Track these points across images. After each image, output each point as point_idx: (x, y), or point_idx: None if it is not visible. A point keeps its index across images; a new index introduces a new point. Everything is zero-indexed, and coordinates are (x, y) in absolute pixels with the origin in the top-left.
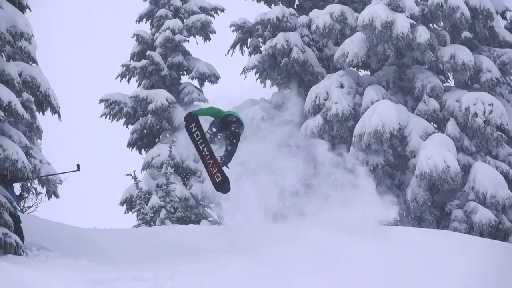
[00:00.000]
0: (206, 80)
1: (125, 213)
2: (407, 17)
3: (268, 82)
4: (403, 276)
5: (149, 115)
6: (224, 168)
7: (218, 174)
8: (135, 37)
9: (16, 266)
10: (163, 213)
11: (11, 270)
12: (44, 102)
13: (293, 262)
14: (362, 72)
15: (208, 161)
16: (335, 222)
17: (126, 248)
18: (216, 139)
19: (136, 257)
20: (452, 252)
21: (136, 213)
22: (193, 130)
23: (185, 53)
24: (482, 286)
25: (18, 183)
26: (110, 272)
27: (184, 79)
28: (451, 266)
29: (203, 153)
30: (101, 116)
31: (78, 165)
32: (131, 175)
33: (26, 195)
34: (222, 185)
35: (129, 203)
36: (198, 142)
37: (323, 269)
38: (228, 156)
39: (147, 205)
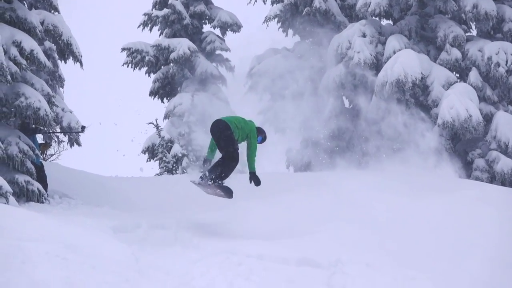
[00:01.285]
0: (228, 29)
1: (147, 161)
2: None
3: (290, 32)
4: (432, 227)
5: (171, 64)
6: None
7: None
8: None
9: (39, 213)
10: (185, 161)
11: (33, 218)
12: (66, 50)
13: (316, 210)
14: (384, 22)
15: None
16: (362, 174)
17: (148, 196)
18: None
19: (158, 205)
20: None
21: (158, 161)
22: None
23: (207, 2)
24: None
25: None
26: (132, 220)
27: (206, 28)
28: (476, 215)
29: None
30: (123, 65)
31: (83, 127)
32: (153, 123)
33: (51, 143)
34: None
35: (151, 152)
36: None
37: (346, 217)
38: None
39: (169, 153)
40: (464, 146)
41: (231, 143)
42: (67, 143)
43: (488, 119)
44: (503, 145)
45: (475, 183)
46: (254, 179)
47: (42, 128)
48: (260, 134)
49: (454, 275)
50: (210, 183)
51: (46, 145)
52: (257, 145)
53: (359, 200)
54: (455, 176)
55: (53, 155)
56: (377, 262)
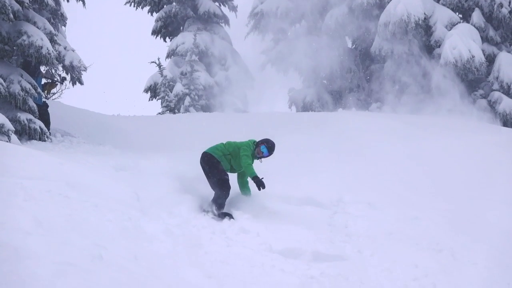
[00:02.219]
0: None
1: (149, 100)
2: None
3: None
4: (436, 168)
5: (174, 3)
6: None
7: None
8: None
9: (41, 152)
10: (187, 100)
11: (35, 156)
12: None
13: (318, 150)
14: None
15: None
16: (365, 114)
17: (150, 134)
18: None
19: (160, 143)
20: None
21: (160, 100)
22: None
23: None
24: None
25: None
26: (134, 158)
27: None
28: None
29: None
30: (125, 4)
31: (63, 78)
32: (155, 62)
33: (57, 82)
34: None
35: (153, 91)
36: None
37: (349, 157)
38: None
39: (171, 92)
40: (467, 86)
41: (215, 174)
42: (69, 82)
43: (490, 60)
44: (506, 86)
45: (475, 124)
46: (257, 182)
47: (41, 71)
48: (263, 144)
49: (457, 215)
50: (216, 214)
51: (52, 84)
52: (250, 153)
53: (362, 140)
54: (458, 117)
55: (56, 93)
56: (379, 202)
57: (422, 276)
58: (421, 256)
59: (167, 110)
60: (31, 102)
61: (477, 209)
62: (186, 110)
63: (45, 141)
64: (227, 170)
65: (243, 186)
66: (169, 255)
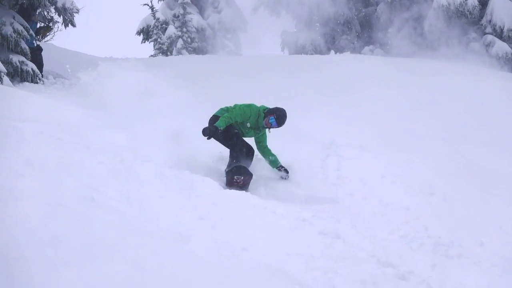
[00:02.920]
0: None
1: (142, 43)
2: None
3: None
4: (430, 112)
5: None
6: None
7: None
8: None
9: (33, 94)
10: (179, 43)
11: (27, 98)
12: None
13: (310, 92)
14: None
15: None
16: (358, 57)
17: (142, 76)
18: None
19: (152, 86)
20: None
21: (152, 42)
22: None
23: None
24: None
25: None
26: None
27: None
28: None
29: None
30: None
31: (55, 21)
32: (148, 5)
33: (52, 25)
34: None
35: (146, 33)
36: None
37: (342, 99)
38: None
39: (163, 35)
40: (460, 30)
41: (225, 137)
42: (62, 24)
43: (483, 3)
44: (498, 29)
45: (469, 67)
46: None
47: (36, 15)
48: (272, 115)
49: (450, 159)
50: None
51: (47, 28)
52: (240, 113)
53: (355, 84)
54: (451, 60)
55: (48, 35)
56: (372, 145)
57: (413, 219)
58: (413, 199)
59: (159, 53)
60: (23, 44)
61: (471, 154)
62: (179, 53)
63: (37, 83)
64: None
65: (264, 153)
66: (161, 197)
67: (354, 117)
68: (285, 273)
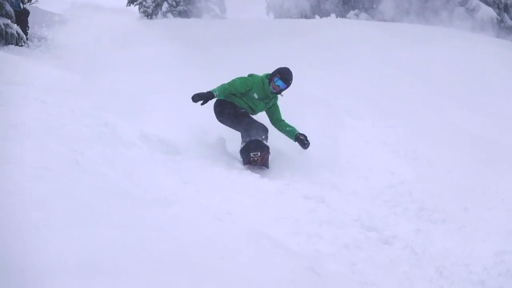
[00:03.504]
0: None
1: (127, 6)
2: None
3: None
4: (413, 77)
5: None
6: None
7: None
8: None
9: (18, 56)
10: (165, 6)
11: (12, 60)
12: None
13: (295, 56)
14: None
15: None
16: (345, 22)
17: (127, 38)
18: None
19: (136, 49)
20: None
21: (138, 6)
22: None
23: None
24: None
25: None
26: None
27: None
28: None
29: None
30: None
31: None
32: None
33: None
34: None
35: None
36: None
37: (327, 63)
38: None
39: None
40: None
41: (231, 116)
42: None
43: None
44: None
45: (454, 32)
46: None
47: None
48: (276, 76)
49: (435, 124)
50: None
51: None
52: (240, 82)
53: (340, 48)
54: (437, 25)
55: None
56: (356, 109)
57: (398, 184)
58: (397, 163)
59: (144, 16)
60: (8, 7)
61: (456, 119)
62: (164, 16)
63: (22, 46)
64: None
65: (281, 126)
66: (145, 161)
67: (338, 81)
68: (269, 237)
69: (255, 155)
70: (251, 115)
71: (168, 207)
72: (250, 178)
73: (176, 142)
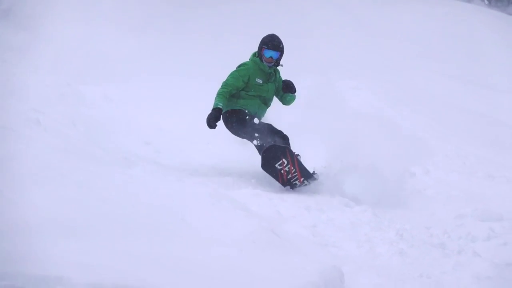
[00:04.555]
0: None
1: None
2: None
3: None
4: (376, 38)
5: None
6: None
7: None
8: None
9: None
10: None
11: None
12: None
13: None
14: None
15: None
16: None
17: None
18: None
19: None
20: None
21: None
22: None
23: None
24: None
25: None
26: None
27: None
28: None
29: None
30: None
31: None
32: None
33: None
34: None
35: None
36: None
37: (283, 31)
38: None
39: None
40: None
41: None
42: None
43: None
44: None
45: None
46: (209, 117)
47: None
48: (263, 48)
49: (398, 86)
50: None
51: None
52: (234, 76)
53: (298, 8)
54: None
55: None
56: (318, 68)
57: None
58: (358, 126)
59: None
60: None
61: (419, 82)
62: None
63: None
64: (251, 109)
65: (283, 99)
66: (107, 121)
67: (299, 43)
68: (230, 198)
69: (282, 165)
70: (262, 116)
71: (129, 167)
72: (211, 139)
73: (138, 103)
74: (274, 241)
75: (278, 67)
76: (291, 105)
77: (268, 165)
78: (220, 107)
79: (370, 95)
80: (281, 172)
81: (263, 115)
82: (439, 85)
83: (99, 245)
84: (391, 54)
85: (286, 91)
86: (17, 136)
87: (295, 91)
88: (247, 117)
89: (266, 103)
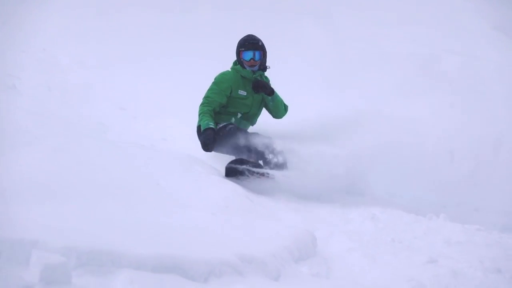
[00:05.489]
0: None
1: None
2: None
3: None
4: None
5: None
6: None
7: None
8: None
9: None
10: None
11: None
12: None
13: None
14: None
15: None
16: None
17: None
18: None
19: None
20: None
21: None
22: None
23: None
24: None
25: None
26: None
27: None
28: None
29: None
30: None
31: None
32: None
33: None
34: None
35: None
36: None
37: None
38: None
39: None
40: None
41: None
42: None
43: None
44: None
45: None
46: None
47: None
48: (240, 52)
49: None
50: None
51: None
52: (213, 93)
53: None
54: None
55: None
56: None
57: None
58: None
59: None
60: None
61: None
62: None
63: None
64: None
65: (272, 109)
66: (83, 85)
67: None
68: (204, 163)
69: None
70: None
71: (104, 132)
72: (184, 105)
73: (113, 67)
74: (248, 206)
75: (267, 74)
76: (283, 115)
77: (232, 174)
78: (212, 126)
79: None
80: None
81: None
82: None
83: (74, 209)
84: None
85: (256, 90)
86: None
87: (270, 92)
88: (231, 127)
89: (251, 119)
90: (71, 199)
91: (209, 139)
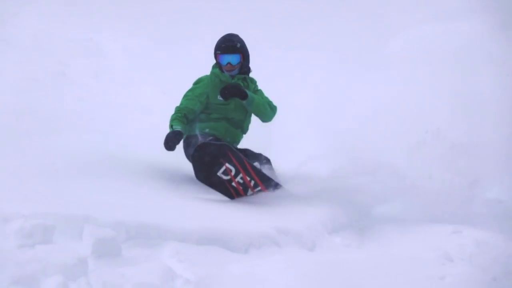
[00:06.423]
0: None
1: None
2: None
3: None
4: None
5: None
6: None
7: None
8: None
9: None
10: None
11: None
12: None
13: None
14: None
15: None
16: None
17: None
18: None
19: None
20: None
21: None
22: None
23: None
24: None
25: None
26: None
27: None
28: None
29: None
30: None
31: None
32: None
33: None
34: None
35: None
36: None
37: None
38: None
39: None
40: None
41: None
42: None
43: None
44: None
45: None
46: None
47: None
48: (217, 55)
49: None
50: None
51: None
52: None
53: None
54: None
55: None
56: None
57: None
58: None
59: None
60: None
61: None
62: None
63: None
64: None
65: (253, 113)
66: (127, 73)
67: None
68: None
69: (229, 173)
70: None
71: (149, 115)
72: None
73: (158, 54)
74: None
75: (252, 75)
76: (271, 118)
77: (203, 172)
78: (179, 129)
79: None
80: (232, 185)
81: (237, 143)
82: None
83: (122, 186)
84: None
85: (224, 97)
86: (45, 88)
87: (242, 96)
88: (210, 138)
89: (239, 126)
90: (119, 178)
91: (170, 138)
